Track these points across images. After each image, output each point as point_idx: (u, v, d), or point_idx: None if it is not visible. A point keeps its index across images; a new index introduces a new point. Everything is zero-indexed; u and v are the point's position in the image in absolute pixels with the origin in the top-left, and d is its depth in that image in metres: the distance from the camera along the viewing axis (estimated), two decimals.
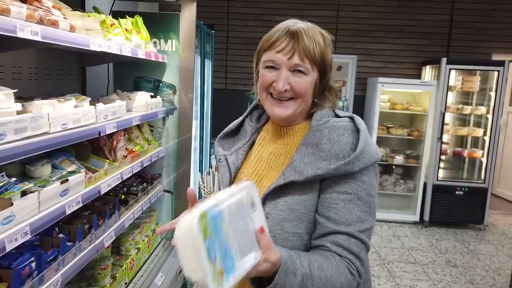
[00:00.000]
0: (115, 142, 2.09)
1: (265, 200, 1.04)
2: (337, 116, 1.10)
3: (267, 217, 1.02)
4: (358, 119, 1.08)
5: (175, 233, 0.78)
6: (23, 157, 1.25)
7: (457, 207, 5.03)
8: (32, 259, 1.41)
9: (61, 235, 1.66)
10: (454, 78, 5.13)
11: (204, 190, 1.25)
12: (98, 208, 2.01)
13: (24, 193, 1.34)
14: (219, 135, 1.27)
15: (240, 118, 1.27)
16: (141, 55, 2.23)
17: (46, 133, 1.39)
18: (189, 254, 0.73)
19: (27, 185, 1.33)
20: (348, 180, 1.01)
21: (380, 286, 3.47)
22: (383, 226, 5.03)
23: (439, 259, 4.13)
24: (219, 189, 1.18)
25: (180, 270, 2.87)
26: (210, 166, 3.76)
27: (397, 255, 4.17)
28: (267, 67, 1.06)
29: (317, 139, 1.04)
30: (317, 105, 1.11)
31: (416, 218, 5.14)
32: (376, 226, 5.02)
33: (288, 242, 1.01)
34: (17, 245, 1.24)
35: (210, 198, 0.81)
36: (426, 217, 5.08)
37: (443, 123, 4.96)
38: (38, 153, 1.33)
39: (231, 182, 1.15)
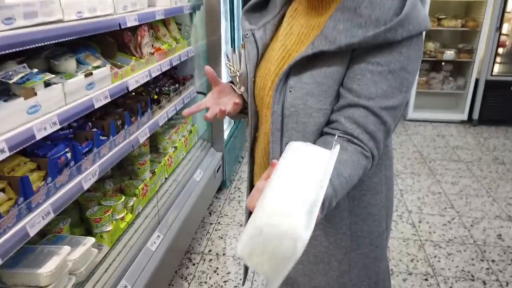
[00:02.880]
0: (139, 38, 2.01)
1: (289, 73, 0.94)
2: None
3: (290, 91, 0.93)
4: None
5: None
6: (38, 45, 1.22)
7: (510, 104, 4.68)
8: (66, 149, 1.46)
9: (94, 130, 1.69)
10: None
11: (230, 69, 1.17)
12: (130, 105, 2.02)
13: (48, 85, 1.33)
14: (245, 8, 1.13)
15: None
16: None
17: (60, 21, 1.33)
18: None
19: (49, 76, 1.32)
20: (383, 50, 0.87)
21: (419, 183, 3.43)
22: (427, 126, 4.84)
23: (486, 156, 3.97)
24: (246, 67, 1.09)
25: (219, 168, 2.95)
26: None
27: (440, 154, 4.05)
28: None
29: (355, 3, 0.88)
30: None
31: (464, 117, 4.88)
32: (420, 126, 4.84)
33: (311, 118, 0.93)
34: (46, 134, 1.27)
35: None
36: (475, 115, 4.80)
37: (504, 11, 4.39)
38: (55, 41, 1.29)
39: (259, 60, 1.05)
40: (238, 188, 3.31)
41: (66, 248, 1.44)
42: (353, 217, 1.02)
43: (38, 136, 1.24)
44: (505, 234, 2.72)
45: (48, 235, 1.60)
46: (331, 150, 0.68)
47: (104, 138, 1.70)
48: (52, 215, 1.33)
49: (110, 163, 1.69)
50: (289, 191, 0.60)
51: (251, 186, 1.20)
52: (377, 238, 1.06)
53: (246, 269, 1.29)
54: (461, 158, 3.94)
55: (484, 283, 2.26)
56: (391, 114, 0.88)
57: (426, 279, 2.30)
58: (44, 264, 1.35)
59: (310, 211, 0.58)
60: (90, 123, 1.73)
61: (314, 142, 0.93)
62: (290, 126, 0.95)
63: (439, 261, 2.45)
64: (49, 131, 1.29)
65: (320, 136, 0.93)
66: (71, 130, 1.63)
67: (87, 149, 1.58)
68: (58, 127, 1.33)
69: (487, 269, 2.38)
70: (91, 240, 1.59)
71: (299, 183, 0.62)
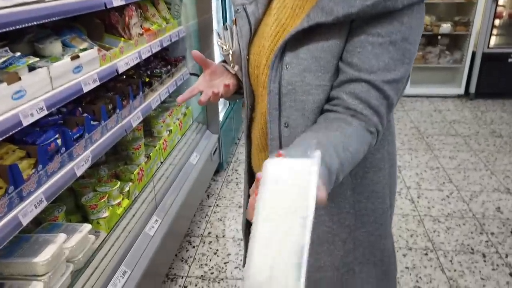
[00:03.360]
0: (127, 19, 1.95)
1: (284, 48, 0.89)
2: None
3: (286, 68, 0.89)
4: None
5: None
6: (19, 27, 1.16)
7: (508, 77, 4.64)
8: (56, 136, 1.42)
9: (85, 115, 1.65)
10: None
11: (222, 48, 1.12)
12: (121, 89, 1.97)
13: (33, 69, 1.28)
14: None
15: None
16: None
17: (41, 0, 1.27)
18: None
19: (33, 59, 1.26)
20: (383, 20, 0.82)
21: (417, 158, 3.42)
22: (424, 102, 4.80)
23: (483, 130, 3.95)
24: (239, 45, 1.04)
25: (215, 150, 2.92)
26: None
27: (437, 129, 4.03)
28: None
29: None
30: None
31: (461, 91, 4.84)
32: (416, 101, 4.80)
33: (309, 95, 0.89)
34: (34, 120, 1.22)
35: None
36: (472, 89, 4.76)
37: None
38: (37, 22, 1.23)
39: (252, 36, 1.00)
40: (236, 170, 3.28)
41: (62, 236, 1.42)
42: (356, 195, 1.00)
43: (25, 123, 1.19)
44: (504, 207, 2.72)
45: (43, 224, 1.58)
46: (311, 159, 0.64)
47: (95, 123, 1.66)
48: (45, 203, 1.30)
49: (103, 149, 1.66)
50: (273, 245, 0.59)
51: (249, 168, 1.16)
52: (381, 215, 1.04)
53: (246, 250, 1.27)
54: (459, 132, 3.92)
55: (484, 255, 2.27)
56: (393, 88, 0.84)
57: (426, 254, 2.30)
58: (40, 253, 1.33)
59: (298, 263, 0.57)
60: (80, 108, 1.68)
61: (314, 121, 0.89)
62: (288, 105, 0.91)
63: (438, 235, 2.45)
64: (37, 117, 1.24)
65: (320, 114, 0.89)
66: (60, 115, 1.59)
67: (78, 134, 1.54)
68: (46, 112, 1.28)
69: (487, 241, 2.38)
70: (87, 227, 1.56)
71: (282, 229, 0.60)
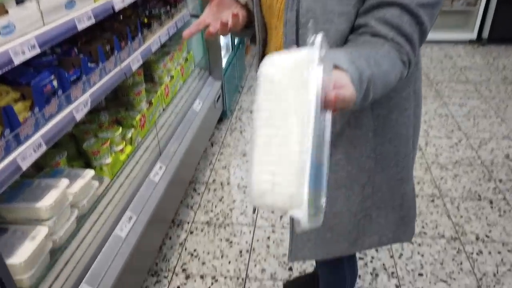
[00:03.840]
0: None
1: None
2: None
3: None
4: None
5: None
6: None
7: None
8: (52, 77, 1.33)
9: (81, 56, 1.55)
10: None
11: None
12: (119, 29, 1.85)
13: (21, 2, 1.17)
14: None
15: None
16: None
17: None
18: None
19: None
20: None
21: (426, 106, 3.33)
22: (433, 47, 4.62)
23: (495, 77, 3.82)
24: None
25: (218, 98, 2.84)
26: None
27: (447, 75, 3.90)
28: None
29: None
30: None
31: (473, 36, 4.64)
32: (426, 47, 4.62)
33: (332, 24, 0.79)
34: (26, 58, 1.14)
35: None
36: (485, 34, 4.56)
37: None
38: None
39: None
40: (239, 119, 3.21)
41: (64, 181, 1.38)
42: (378, 138, 0.93)
43: (17, 61, 1.11)
44: None
45: (45, 169, 1.54)
46: (309, 47, 0.56)
47: (92, 65, 1.57)
48: (44, 148, 1.25)
49: (102, 92, 1.58)
50: (273, 151, 0.54)
51: None
52: (403, 159, 0.98)
53: None
54: (469, 79, 3.80)
55: (491, 202, 2.26)
56: (428, 13, 0.75)
57: (433, 200, 2.29)
58: (43, 198, 1.30)
59: (301, 168, 0.51)
60: (75, 49, 1.59)
61: None
62: (307, 37, 0.82)
63: (445, 182, 2.43)
64: (29, 55, 1.15)
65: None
66: (55, 56, 1.50)
67: (75, 76, 1.46)
68: (38, 50, 1.19)
69: (494, 188, 2.36)
70: (90, 172, 1.53)
71: (282, 134, 0.54)
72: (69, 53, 1.55)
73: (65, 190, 1.37)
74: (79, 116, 1.43)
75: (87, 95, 1.49)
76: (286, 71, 0.56)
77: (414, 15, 0.74)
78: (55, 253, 1.34)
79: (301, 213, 0.50)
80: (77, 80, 1.46)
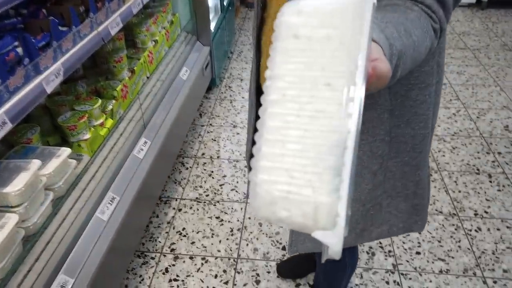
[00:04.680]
0: None
1: None
2: None
3: None
4: None
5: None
6: None
7: None
8: (15, 43, 1.16)
9: (51, 18, 1.36)
10: None
11: None
12: None
13: None
14: None
15: None
16: None
17: None
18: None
19: None
20: None
21: None
22: None
23: (494, 43, 3.69)
24: None
25: (207, 65, 2.66)
26: None
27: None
28: None
29: None
30: None
31: None
32: None
33: None
34: None
35: None
36: None
37: None
38: None
39: None
40: (229, 87, 3.05)
41: (36, 162, 1.24)
42: (394, 119, 0.81)
43: None
44: None
45: (15, 147, 1.39)
46: None
47: (64, 29, 1.38)
48: (9, 125, 1.09)
49: (77, 60, 1.40)
50: (292, 139, 0.38)
51: (257, 86, 0.95)
52: (421, 142, 0.87)
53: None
54: (468, 45, 3.66)
55: (490, 176, 2.19)
56: None
57: (430, 174, 2.21)
58: (12, 182, 1.16)
59: (336, 166, 0.36)
60: (44, 10, 1.39)
61: None
62: None
63: (443, 155, 2.34)
64: None
65: None
66: (19, 18, 1.31)
67: (44, 42, 1.28)
68: None
69: (493, 162, 2.29)
70: (66, 150, 1.38)
71: (307, 112, 0.38)
72: (36, 14, 1.36)
73: (37, 172, 1.23)
74: (50, 88, 1.27)
75: (58, 64, 1.31)
76: (320, 21, 0.40)
77: None
78: (29, 241, 1.21)
79: (335, 237, 0.35)
80: (46, 47, 1.28)
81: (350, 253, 1.19)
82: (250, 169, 1.08)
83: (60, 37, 1.33)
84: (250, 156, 1.09)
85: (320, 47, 0.39)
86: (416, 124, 0.83)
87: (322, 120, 0.38)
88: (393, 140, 0.84)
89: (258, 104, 0.97)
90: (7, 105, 1.10)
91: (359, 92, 0.37)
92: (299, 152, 0.37)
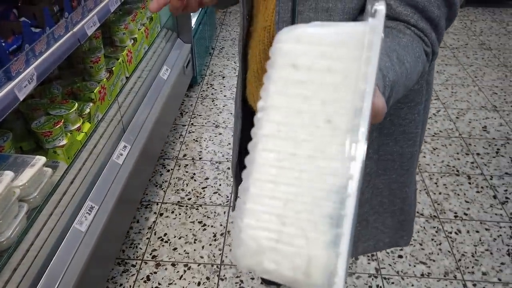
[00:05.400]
0: None
1: None
2: None
3: None
4: None
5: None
6: None
7: None
8: None
9: (22, 19, 1.29)
10: None
11: None
12: None
13: None
14: None
15: None
16: None
17: None
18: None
19: None
20: None
21: None
22: None
23: (472, 42, 3.74)
24: None
25: (188, 62, 2.60)
26: None
27: None
28: None
29: None
30: None
31: None
32: None
33: (337, 2, 0.62)
34: None
35: None
36: None
37: None
38: None
39: None
40: (211, 85, 2.99)
41: (8, 174, 1.17)
42: (383, 138, 0.79)
43: None
44: (490, 126, 2.64)
45: None
46: (368, 22, 0.35)
47: (37, 30, 1.31)
48: None
49: (51, 64, 1.33)
50: (287, 180, 0.34)
51: (243, 100, 0.92)
52: (408, 160, 0.86)
53: (237, 192, 1.09)
54: (447, 44, 3.70)
55: (469, 177, 2.23)
56: None
57: None
58: None
59: (337, 214, 0.32)
60: (15, 10, 1.31)
61: None
62: (306, 16, 0.64)
63: (424, 156, 2.37)
64: None
65: None
66: None
67: (15, 46, 1.20)
68: None
69: (472, 163, 2.33)
70: (41, 159, 1.31)
71: (306, 151, 0.34)
72: (6, 15, 1.28)
73: (10, 183, 1.17)
74: (22, 95, 1.20)
75: (31, 68, 1.24)
76: (322, 51, 0.36)
77: None
78: (2, 256, 1.15)
79: None
80: (17, 50, 1.21)
81: None
82: (236, 185, 1.03)
83: (33, 39, 1.26)
84: (235, 168, 1.06)
85: (321, 80, 0.36)
86: (405, 142, 0.82)
87: (321, 161, 0.34)
88: (381, 158, 0.82)
89: (244, 117, 0.95)
90: None
91: (364, 134, 0.34)
92: (293, 196, 0.34)
